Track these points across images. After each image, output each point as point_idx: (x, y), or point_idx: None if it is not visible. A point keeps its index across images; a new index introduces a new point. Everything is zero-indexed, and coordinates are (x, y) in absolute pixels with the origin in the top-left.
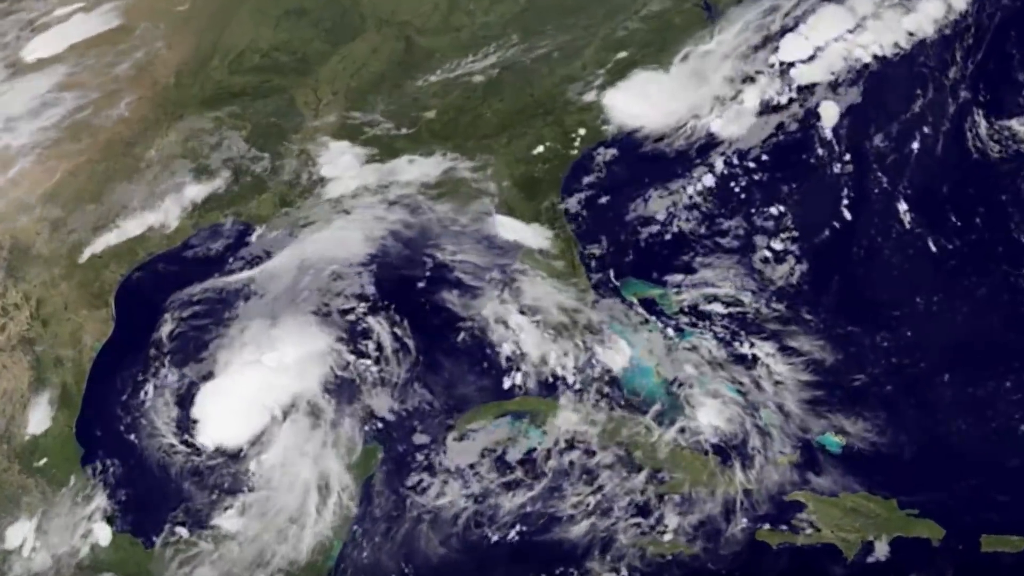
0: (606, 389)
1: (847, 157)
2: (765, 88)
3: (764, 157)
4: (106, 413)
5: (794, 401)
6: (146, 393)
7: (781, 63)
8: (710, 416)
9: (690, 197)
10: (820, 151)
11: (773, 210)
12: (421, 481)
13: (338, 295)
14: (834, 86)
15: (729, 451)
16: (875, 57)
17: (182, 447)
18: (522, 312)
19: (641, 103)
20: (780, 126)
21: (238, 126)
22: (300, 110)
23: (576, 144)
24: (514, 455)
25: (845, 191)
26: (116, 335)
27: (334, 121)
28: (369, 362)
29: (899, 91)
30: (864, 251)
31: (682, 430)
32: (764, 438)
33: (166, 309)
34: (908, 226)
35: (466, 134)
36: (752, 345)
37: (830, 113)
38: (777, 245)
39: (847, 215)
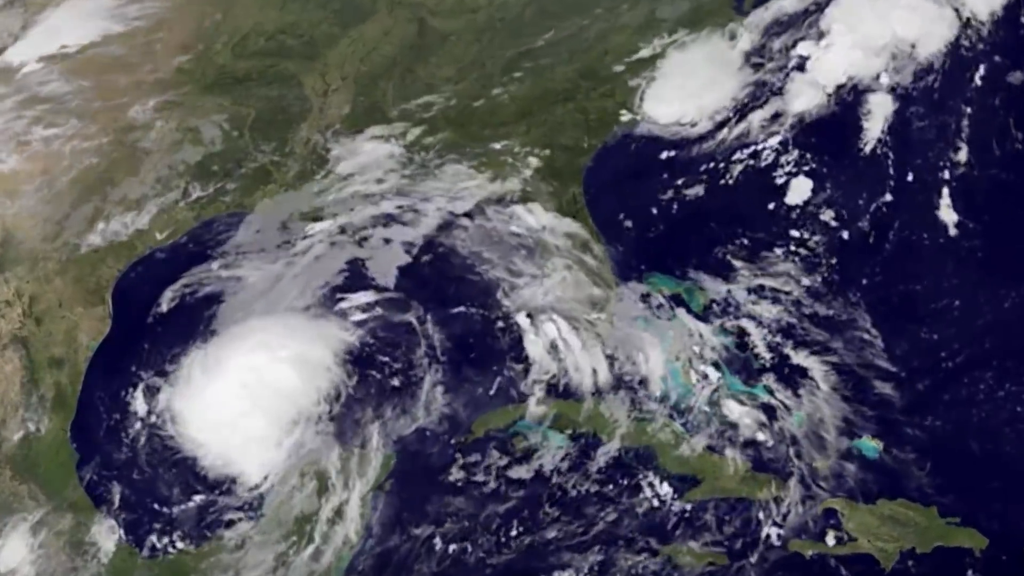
0: (632, 389)
1: (892, 148)
2: (804, 75)
3: (803, 146)
4: (103, 416)
5: (829, 404)
6: (144, 396)
7: (820, 47)
8: (741, 420)
9: (721, 187)
10: (864, 141)
11: (811, 206)
12: (446, 483)
13: (348, 293)
14: (879, 75)
15: (760, 456)
16: (922, 45)
17: (184, 452)
18: (543, 309)
19: (669, 89)
20: (819, 115)
21: (242, 113)
22: (308, 96)
23: (600, 131)
24: (539, 460)
25: (889, 184)
26: (113, 333)
27: (344, 108)
28: (386, 362)
29: (948, 82)
30: (904, 249)
31: (711, 434)
32: (797, 443)
33: (163, 305)
34: (954, 229)
35: (483, 121)
36: (786, 346)
37: (876, 103)
38: (813, 242)
39: (888, 212)
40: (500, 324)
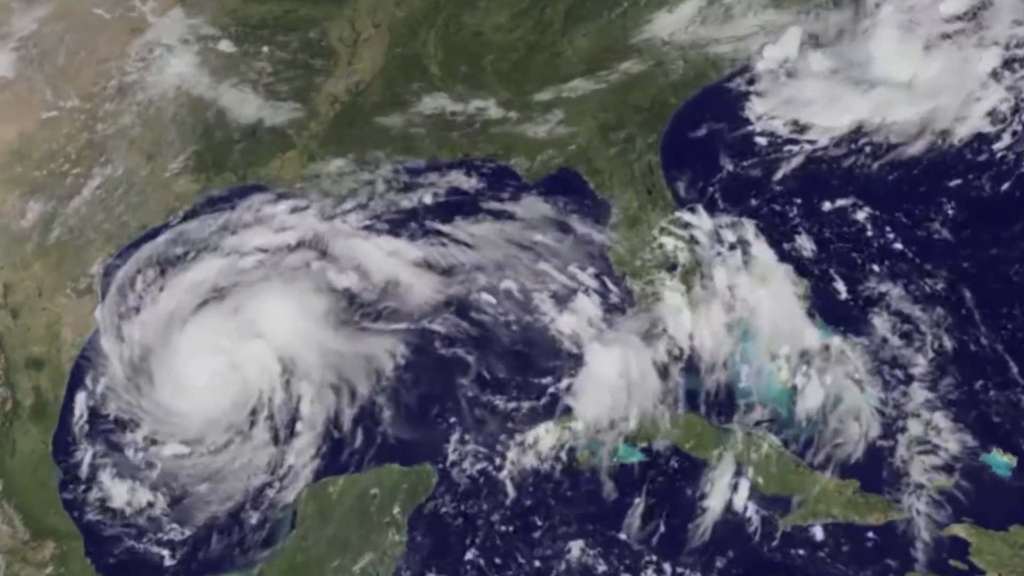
0: (716, 393)
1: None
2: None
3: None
4: (90, 427)
5: (950, 415)
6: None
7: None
8: (844, 430)
9: (823, 162)
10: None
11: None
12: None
13: (386, 296)
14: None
15: (869, 474)
16: None
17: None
18: (604, 298)
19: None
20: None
21: (256, 67)
22: (334, 47)
23: (679, 89)
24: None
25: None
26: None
27: (376, 61)
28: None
29: None
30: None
31: (810, 445)
32: (914, 458)
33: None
34: None
35: (541, 76)
36: (903, 348)
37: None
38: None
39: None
40: (546, 319)
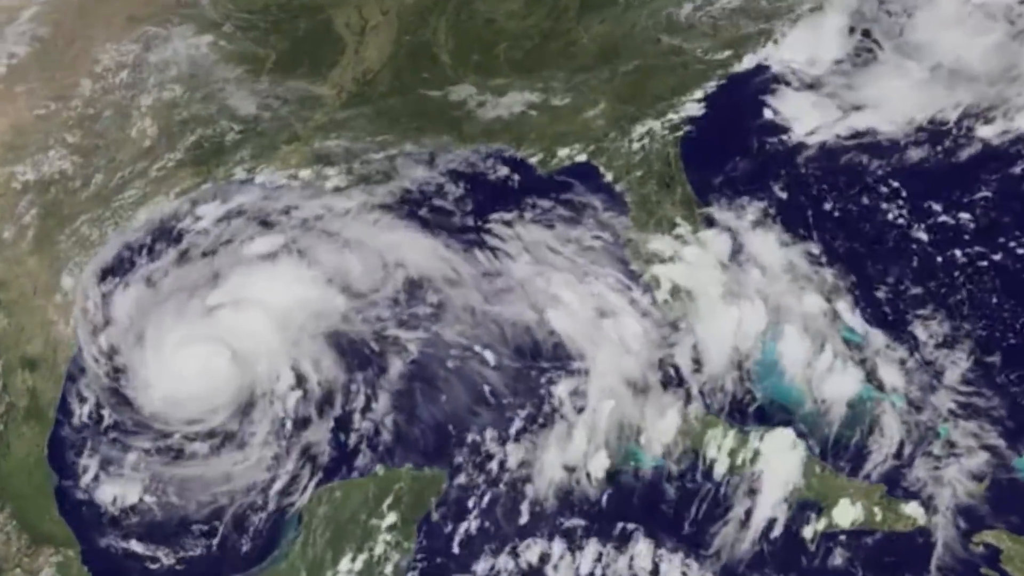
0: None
1: None
2: None
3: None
4: (88, 430)
5: (981, 420)
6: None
7: None
8: (871, 434)
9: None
10: None
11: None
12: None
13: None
14: None
15: (897, 479)
16: None
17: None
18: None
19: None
20: None
21: (260, 55)
22: (340, 34)
23: (700, 77)
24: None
25: None
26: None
27: (385, 49)
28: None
29: None
30: None
31: (835, 449)
32: (944, 462)
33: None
34: None
35: (556, 65)
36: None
37: None
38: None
39: None
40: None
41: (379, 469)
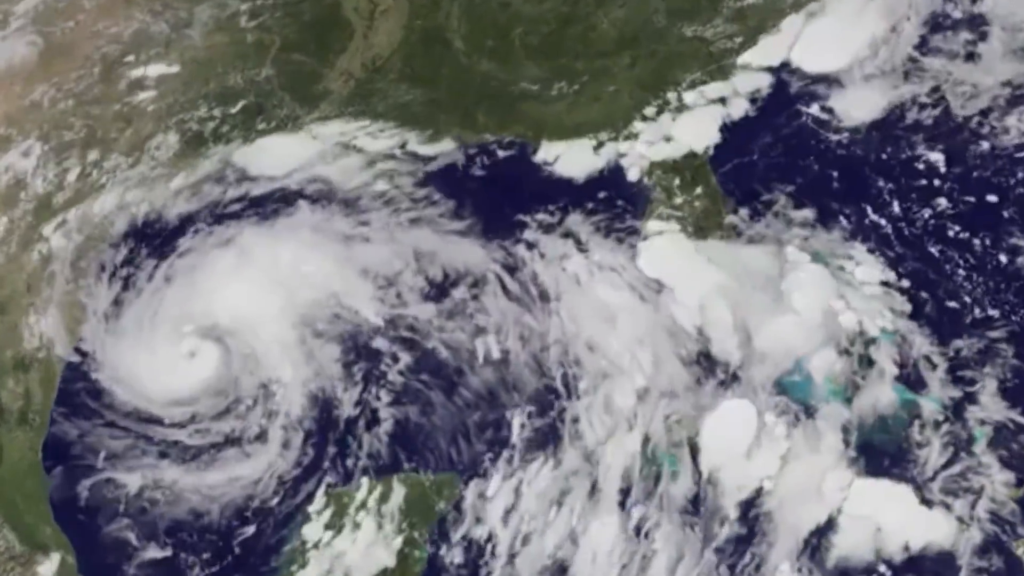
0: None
1: None
2: None
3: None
4: (85, 431)
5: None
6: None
7: None
8: (907, 436)
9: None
10: None
11: None
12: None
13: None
14: None
15: (927, 483)
16: None
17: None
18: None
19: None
20: None
21: (264, 40)
22: (347, 17)
23: (731, 68)
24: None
25: None
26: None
27: (395, 34)
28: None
29: None
30: None
31: (869, 451)
32: (978, 465)
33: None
34: None
35: (574, 52)
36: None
37: None
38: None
39: None
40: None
41: (390, 474)
